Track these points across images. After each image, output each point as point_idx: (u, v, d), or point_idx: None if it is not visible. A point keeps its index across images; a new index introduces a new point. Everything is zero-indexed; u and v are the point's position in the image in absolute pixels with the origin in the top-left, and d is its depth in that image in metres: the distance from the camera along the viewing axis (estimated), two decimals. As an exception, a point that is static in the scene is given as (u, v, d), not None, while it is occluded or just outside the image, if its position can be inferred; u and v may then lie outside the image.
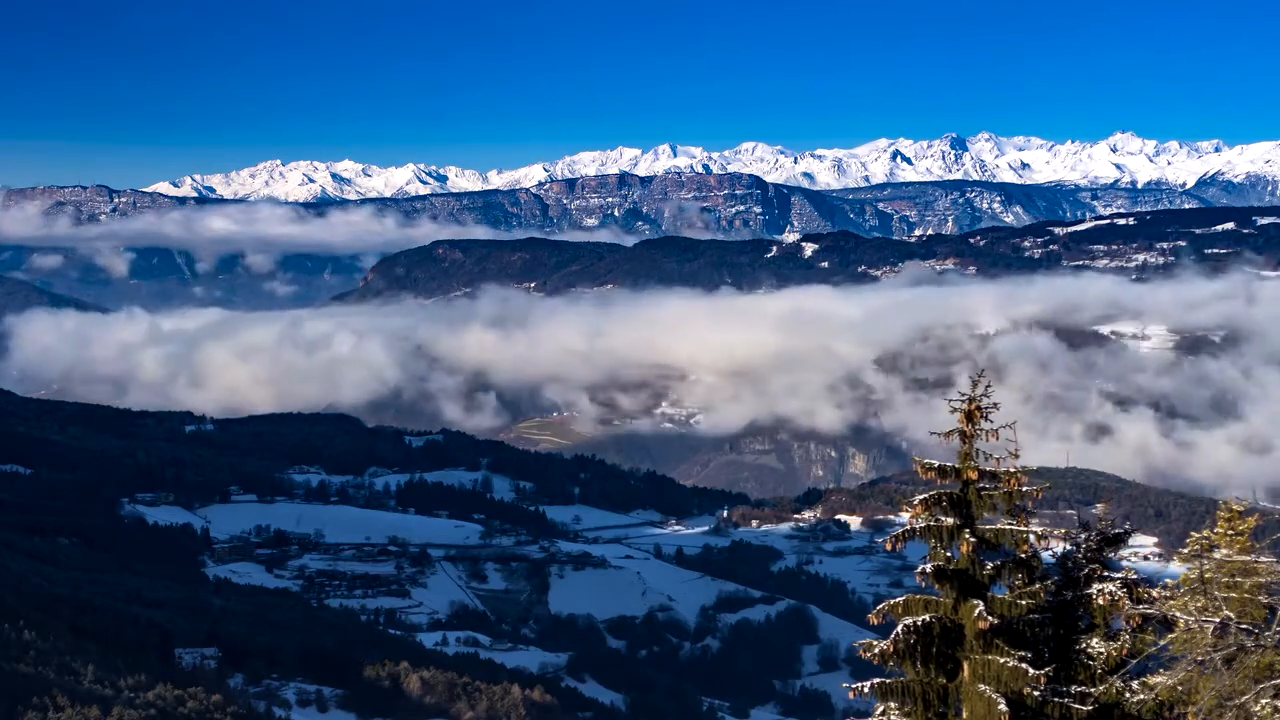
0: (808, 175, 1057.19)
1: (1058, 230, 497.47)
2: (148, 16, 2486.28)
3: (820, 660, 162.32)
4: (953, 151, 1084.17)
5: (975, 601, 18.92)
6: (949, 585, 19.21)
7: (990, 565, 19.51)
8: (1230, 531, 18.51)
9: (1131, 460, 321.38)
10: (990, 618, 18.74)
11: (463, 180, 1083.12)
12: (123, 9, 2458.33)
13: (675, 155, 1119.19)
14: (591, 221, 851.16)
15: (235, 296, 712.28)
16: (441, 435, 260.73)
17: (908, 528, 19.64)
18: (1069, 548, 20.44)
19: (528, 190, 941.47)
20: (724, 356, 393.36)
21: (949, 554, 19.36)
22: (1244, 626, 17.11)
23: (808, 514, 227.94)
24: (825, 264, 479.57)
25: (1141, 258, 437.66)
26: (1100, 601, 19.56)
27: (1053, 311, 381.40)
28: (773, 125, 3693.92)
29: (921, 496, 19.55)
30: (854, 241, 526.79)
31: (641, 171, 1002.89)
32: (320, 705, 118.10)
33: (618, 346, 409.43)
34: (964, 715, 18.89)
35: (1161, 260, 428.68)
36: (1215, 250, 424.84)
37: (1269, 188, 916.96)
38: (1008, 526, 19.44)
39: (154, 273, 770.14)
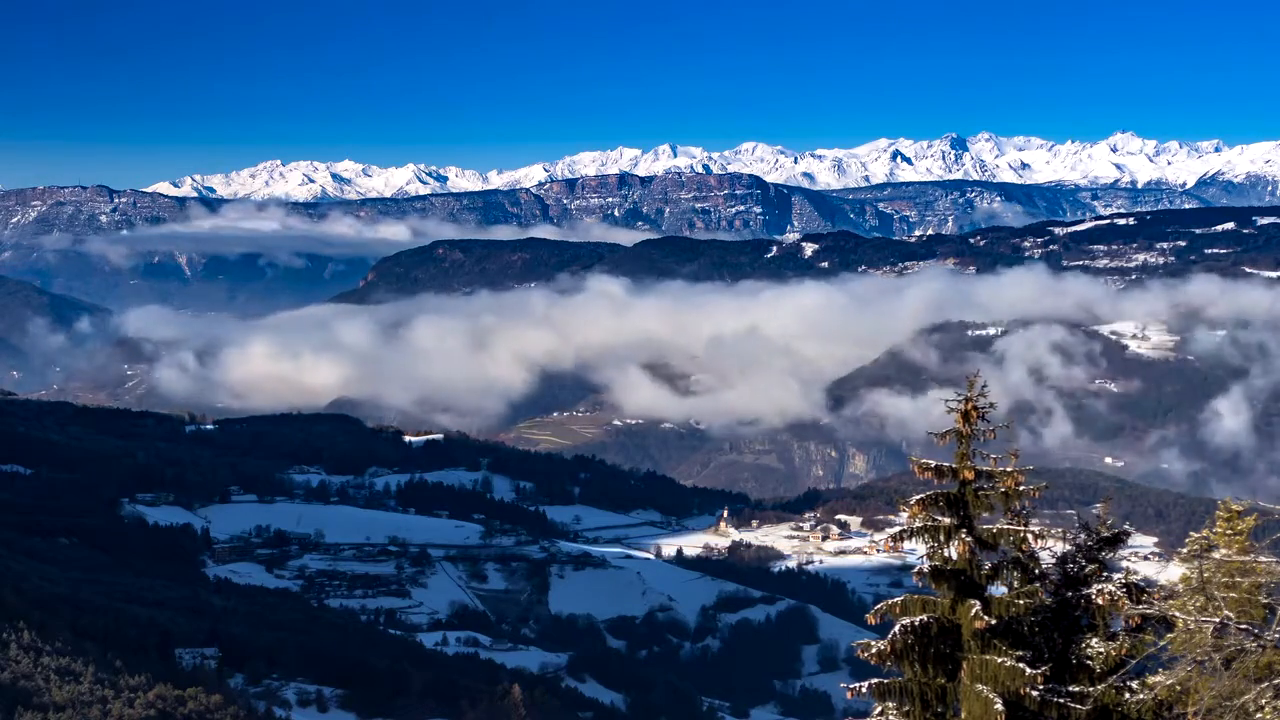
0: (808, 175, 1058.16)
1: (1058, 230, 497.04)
2: (148, 16, 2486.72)
3: (820, 660, 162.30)
4: (953, 151, 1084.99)
5: (973, 601, 18.90)
6: (946, 585, 19.19)
7: (988, 565, 19.50)
8: (1229, 531, 18.48)
9: (1132, 460, 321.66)
10: (987, 617, 18.72)
11: (463, 180, 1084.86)
12: (122, 9, 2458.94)
13: (675, 155, 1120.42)
14: (592, 221, 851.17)
15: (234, 297, 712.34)
16: (441, 435, 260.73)
17: (905, 528, 19.63)
18: (1068, 548, 20.41)
19: (528, 190, 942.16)
20: (723, 356, 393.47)
21: (947, 554, 19.34)
22: (1243, 626, 17.08)
23: (808, 514, 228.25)
24: (825, 264, 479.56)
25: (1141, 258, 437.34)
26: (1100, 601, 19.52)
27: (1053, 311, 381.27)
28: (773, 125, 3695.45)
29: (918, 496, 19.54)
30: (854, 241, 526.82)
31: (641, 171, 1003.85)
32: (320, 705, 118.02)
33: (617, 346, 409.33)
34: (962, 715, 18.87)
35: (1161, 260, 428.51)
36: (1215, 250, 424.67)
37: (1269, 188, 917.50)
38: (1005, 526, 19.43)
39: (154, 273, 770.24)
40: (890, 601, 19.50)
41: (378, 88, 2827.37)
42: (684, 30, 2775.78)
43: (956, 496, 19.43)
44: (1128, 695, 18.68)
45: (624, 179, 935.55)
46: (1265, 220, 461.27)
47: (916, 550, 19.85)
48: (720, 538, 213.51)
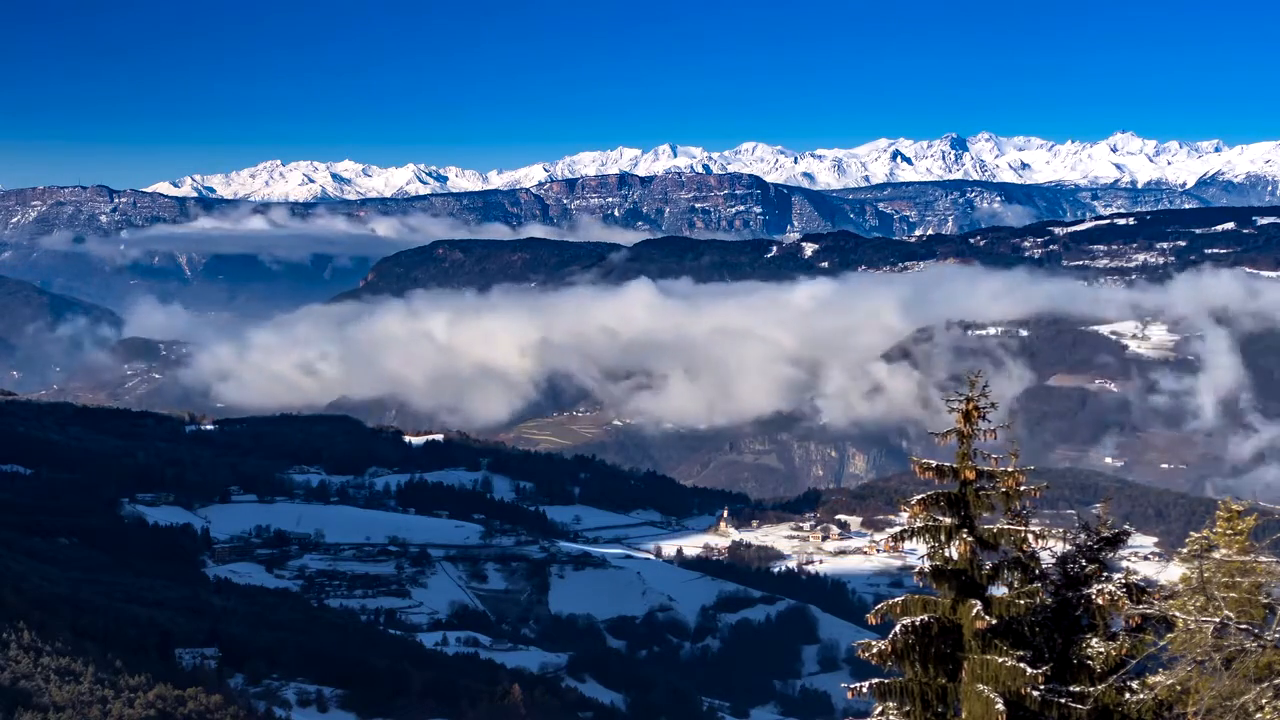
0: (808, 175, 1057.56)
1: (1058, 230, 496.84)
2: (148, 16, 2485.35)
3: (820, 660, 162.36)
4: (953, 151, 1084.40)
5: (973, 601, 18.91)
6: (947, 585, 19.21)
7: (989, 565, 19.51)
8: (1229, 531, 18.50)
9: (1132, 460, 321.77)
10: (988, 617, 18.74)
11: (463, 180, 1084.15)
12: (122, 9, 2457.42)
13: (675, 155, 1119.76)
14: (592, 221, 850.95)
15: (234, 297, 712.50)
16: (441, 435, 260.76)
17: (906, 527, 19.64)
18: (1068, 548, 20.42)
19: (528, 190, 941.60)
20: (724, 356, 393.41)
21: (948, 554, 19.35)
22: (1243, 626, 17.09)
23: (808, 514, 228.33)
24: (825, 264, 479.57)
25: (1141, 258, 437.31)
26: (1100, 601, 19.53)
27: (1052, 311, 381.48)
28: (773, 125, 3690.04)
29: (919, 496, 19.55)
30: (854, 241, 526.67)
31: (641, 171, 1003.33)
32: (320, 705, 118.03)
33: (618, 346, 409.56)
34: (963, 715, 18.88)
35: (1161, 260, 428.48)
36: (1215, 250, 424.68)
37: (1269, 188, 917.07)
38: (1006, 526, 19.44)
39: (154, 273, 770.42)
40: (891, 601, 19.51)
41: (378, 88, 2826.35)
42: (684, 30, 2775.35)
43: (957, 496, 19.44)
44: (1128, 695, 18.69)
45: (624, 179, 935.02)
46: (1265, 220, 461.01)
47: (917, 550, 19.86)
48: (720, 538, 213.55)
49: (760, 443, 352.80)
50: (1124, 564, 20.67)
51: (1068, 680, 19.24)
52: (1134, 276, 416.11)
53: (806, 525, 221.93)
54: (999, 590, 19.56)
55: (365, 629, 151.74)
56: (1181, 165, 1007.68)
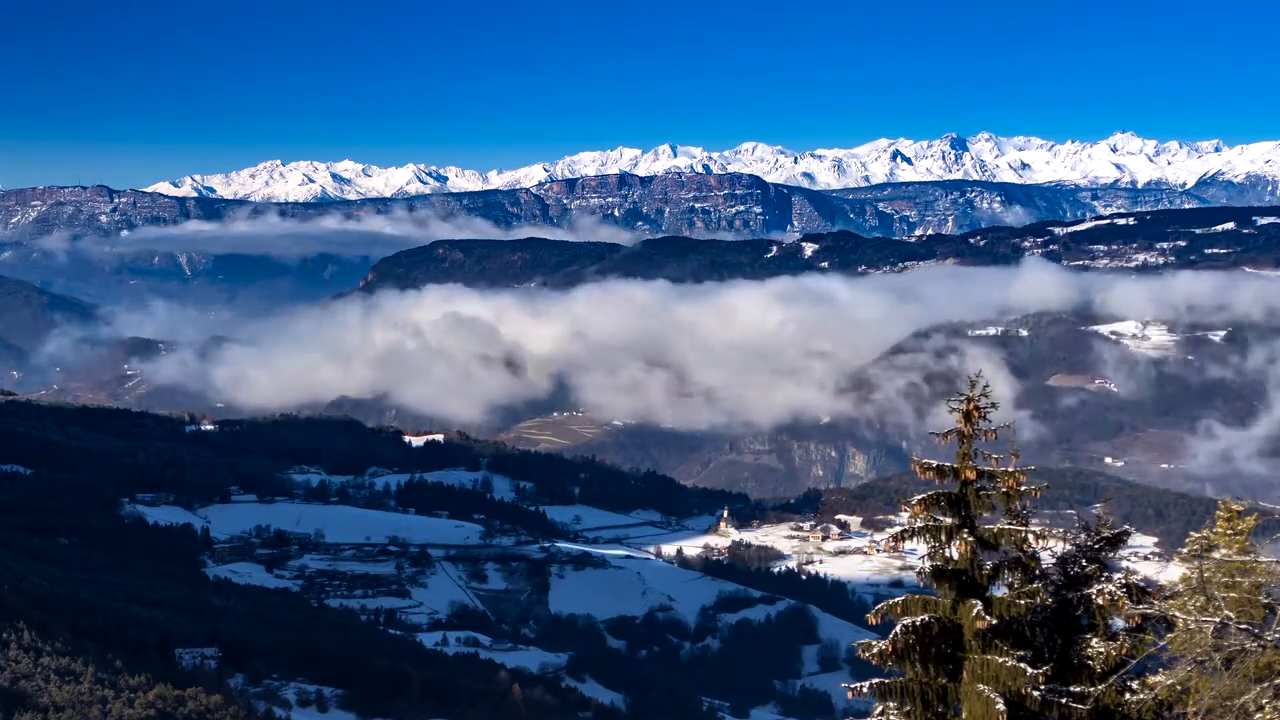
0: (808, 175, 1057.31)
1: (1058, 230, 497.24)
2: (148, 16, 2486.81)
3: (820, 660, 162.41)
4: (953, 151, 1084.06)
5: (974, 601, 18.92)
6: (948, 585, 19.21)
7: (989, 565, 19.51)
8: (1229, 531, 18.50)
9: (1132, 460, 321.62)
10: (989, 617, 18.74)
11: (463, 180, 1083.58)
12: (122, 9, 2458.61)
13: (675, 155, 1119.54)
14: (592, 221, 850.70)
15: (234, 297, 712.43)
16: (441, 435, 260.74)
17: (906, 527, 19.64)
18: (1068, 548, 20.42)
19: (528, 190, 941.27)
20: (723, 356, 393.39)
21: (948, 554, 19.35)
22: (1243, 626, 17.10)
23: (808, 514, 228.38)
24: (825, 264, 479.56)
25: (1141, 258, 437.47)
26: (1100, 601, 19.54)
27: (1053, 311, 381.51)
28: (773, 125, 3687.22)
29: (920, 496, 19.56)
30: (854, 241, 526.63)
31: (641, 171, 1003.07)
32: (320, 705, 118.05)
33: (617, 346, 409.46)
34: (964, 715, 18.89)
35: (1162, 260, 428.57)
36: (1215, 250, 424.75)
37: (1269, 188, 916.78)
38: (1006, 526, 19.44)
39: (154, 273, 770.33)
40: (891, 601, 19.51)
41: (378, 88, 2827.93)
42: (684, 30, 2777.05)
43: (958, 496, 19.44)
44: (1128, 695, 18.70)
45: (624, 179, 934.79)
46: (1265, 220, 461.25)
47: (917, 550, 19.87)
48: (720, 538, 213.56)
49: (760, 443, 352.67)
50: (1124, 564, 20.67)
51: (1068, 680, 19.24)
52: (1134, 276, 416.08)
53: (806, 525, 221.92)
54: (999, 590, 19.57)
55: (365, 629, 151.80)
56: (1181, 165, 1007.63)
